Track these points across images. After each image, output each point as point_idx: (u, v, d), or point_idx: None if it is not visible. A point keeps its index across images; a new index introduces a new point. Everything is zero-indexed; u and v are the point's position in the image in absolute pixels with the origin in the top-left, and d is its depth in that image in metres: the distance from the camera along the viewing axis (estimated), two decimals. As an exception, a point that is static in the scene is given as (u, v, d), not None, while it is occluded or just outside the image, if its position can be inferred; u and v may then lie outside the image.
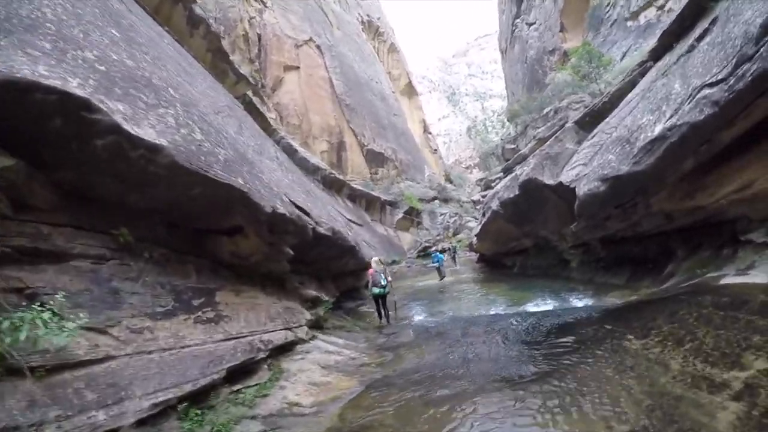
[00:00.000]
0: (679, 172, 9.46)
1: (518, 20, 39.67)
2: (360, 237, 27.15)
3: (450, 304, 15.82)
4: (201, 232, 7.05)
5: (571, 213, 14.78)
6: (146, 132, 5.13)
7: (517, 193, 17.66)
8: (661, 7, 22.29)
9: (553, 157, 16.64)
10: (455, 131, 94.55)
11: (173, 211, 6.30)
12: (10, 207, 4.35)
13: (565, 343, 7.70)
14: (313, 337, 8.76)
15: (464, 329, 10.37)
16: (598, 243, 15.45)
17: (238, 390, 5.87)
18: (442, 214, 44.51)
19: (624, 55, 22.15)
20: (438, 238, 41.99)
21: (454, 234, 42.88)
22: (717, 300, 7.08)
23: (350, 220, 29.97)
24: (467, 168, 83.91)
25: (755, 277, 7.61)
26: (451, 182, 59.06)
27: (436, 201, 46.74)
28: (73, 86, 4.42)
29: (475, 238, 23.54)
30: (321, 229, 10.54)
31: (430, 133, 65.94)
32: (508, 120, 40.12)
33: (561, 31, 31.79)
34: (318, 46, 40.67)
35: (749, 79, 6.93)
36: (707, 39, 9.54)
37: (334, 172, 36.08)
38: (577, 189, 13.19)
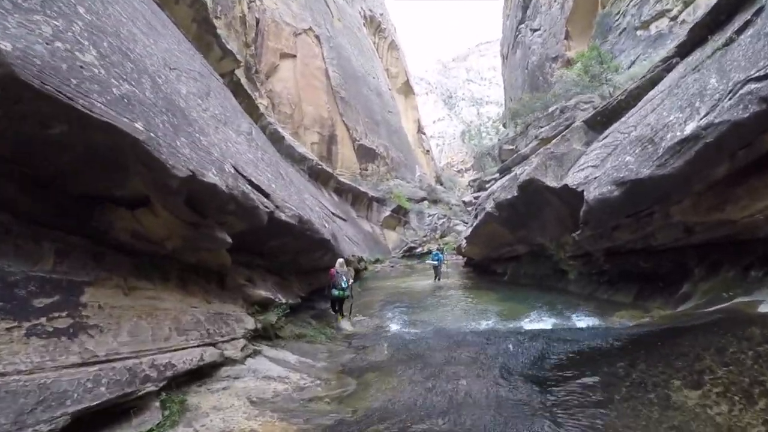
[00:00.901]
0: (709, 179, 8.42)
1: (522, 26, 38.65)
2: (342, 232, 25.64)
3: (434, 313, 13.63)
4: (88, 200, 4.72)
5: (573, 219, 13.39)
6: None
7: (515, 194, 15.73)
8: (674, 18, 21.44)
9: (558, 158, 14.79)
10: (449, 134, 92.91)
11: (31, 160, 4.01)
12: None
13: (590, 387, 5.59)
14: (253, 354, 6.43)
15: (450, 350, 8.14)
16: (602, 254, 13.61)
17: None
18: (430, 215, 42.52)
19: (632, 64, 20.97)
20: (425, 239, 40.14)
21: (442, 236, 40.69)
22: (768, 334, 5.53)
23: (333, 214, 28.28)
24: (459, 171, 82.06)
25: (802, 307, 6.36)
26: (441, 184, 57.19)
27: (425, 202, 44.93)
28: None
29: (464, 241, 21.37)
30: (282, 215, 8.28)
31: (423, 134, 64.11)
32: (504, 123, 38.69)
33: (566, 38, 30.85)
34: (317, 36, 39.15)
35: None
36: (750, 31, 8.59)
37: (321, 163, 34.33)
38: (585, 193, 11.71)
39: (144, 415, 4.13)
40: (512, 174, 16.89)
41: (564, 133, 15.92)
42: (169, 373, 4.52)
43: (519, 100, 25.46)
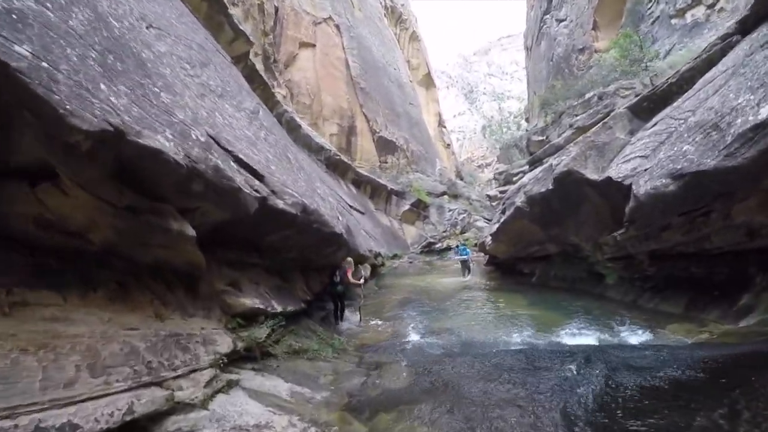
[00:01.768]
0: (786, 172, 7.15)
1: (547, 16, 36.50)
2: (360, 226, 24.03)
3: (458, 318, 11.86)
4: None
5: (614, 217, 12.10)
6: None
7: (550, 187, 13.84)
8: (711, 6, 19.90)
9: (600, 148, 12.93)
10: (470, 129, 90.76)
11: None
12: None
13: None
14: (227, 387, 4.56)
15: (489, 379, 6.31)
16: (647, 257, 11.91)
17: None
18: (450, 210, 40.70)
19: (668, 53, 19.19)
20: (444, 234, 38.47)
21: (462, 232, 38.93)
22: None
23: (351, 206, 26.77)
24: (479, 167, 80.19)
25: None
26: (461, 179, 55.30)
27: (445, 196, 43.18)
28: None
29: (489, 238, 19.45)
30: (280, 203, 6.52)
31: (444, 127, 62.12)
32: (527, 117, 36.82)
33: (593, 28, 28.88)
34: (337, 26, 38.16)
35: None
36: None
37: (339, 154, 32.82)
38: (633, 187, 10.23)
39: None
40: (546, 165, 14.97)
41: (605, 120, 14.02)
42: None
43: (550, 88, 23.51)
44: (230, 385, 4.75)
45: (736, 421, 4.09)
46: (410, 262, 30.80)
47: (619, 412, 4.86)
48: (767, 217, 7.91)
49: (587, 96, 17.80)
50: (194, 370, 4.26)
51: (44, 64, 2.75)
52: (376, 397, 5.74)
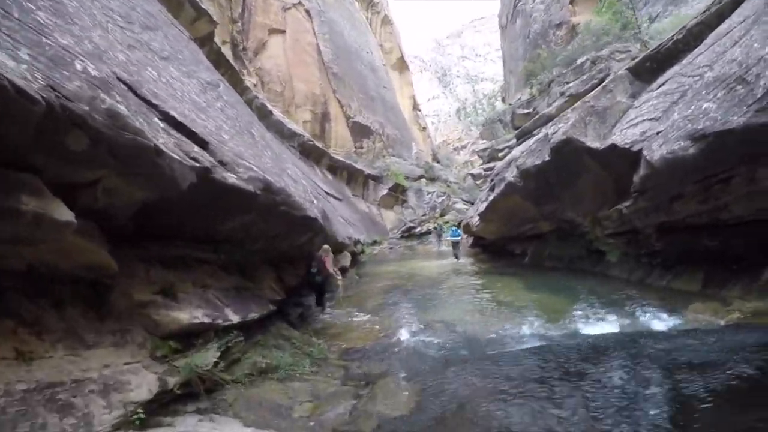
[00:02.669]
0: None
1: None
2: (337, 212, 22.42)
3: (453, 309, 10.27)
4: None
5: (616, 189, 11.12)
6: None
7: (546, 159, 12.45)
8: None
9: (600, 113, 11.62)
10: (444, 112, 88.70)
11: None
12: None
13: None
14: None
15: (511, 391, 4.81)
16: (654, 231, 10.69)
17: None
18: (429, 193, 39.14)
19: (653, 21, 17.43)
20: (424, 218, 37.02)
21: (442, 214, 37.58)
22: None
23: (327, 193, 25.10)
24: (455, 149, 78.31)
25: None
26: (438, 162, 53.65)
27: (423, 179, 41.63)
28: None
29: (475, 218, 17.88)
30: (230, 177, 4.84)
31: (419, 110, 60.24)
32: (503, 97, 35.48)
33: (570, 2, 27.34)
34: (307, 11, 36.24)
35: None
36: None
37: (313, 140, 31.11)
38: (645, 153, 9.09)
39: None
40: (541, 135, 13.47)
41: (605, 84, 12.58)
42: None
43: (535, 57, 21.98)
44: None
45: None
46: (391, 248, 29.53)
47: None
48: (799, 180, 6.88)
49: (579, 61, 16.32)
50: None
51: None
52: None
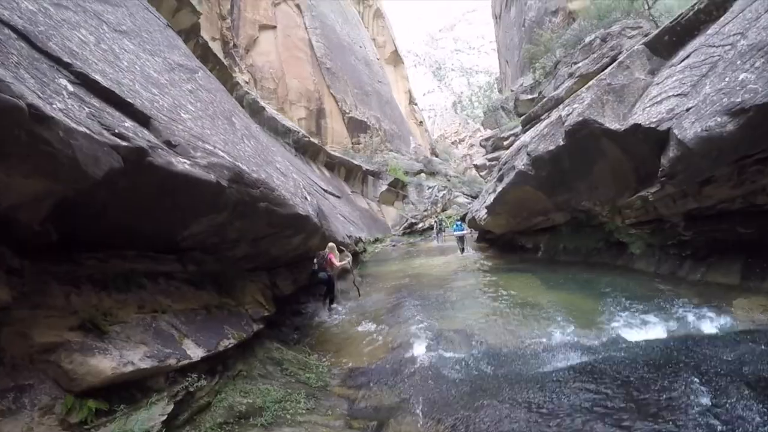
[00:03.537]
0: None
1: None
2: (336, 210, 21.59)
3: (469, 314, 8.97)
4: None
5: (637, 174, 10.10)
6: None
7: (560, 143, 11.20)
8: None
9: (618, 91, 10.34)
10: (440, 106, 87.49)
11: None
12: None
13: None
14: None
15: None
16: (682, 220, 9.72)
17: None
18: (429, 188, 37.83)
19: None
20: (425, 213, 35.75)
21: (443, 209, 36.45)
22: None
23: (325, 191, 24.01)
24: (453, 143, 76.97)
25: None
26: (437, 156, 52.25)
27: (423, 174, 40.32)
28: None
29: (483, 212, 16.52)
30: (179, 163, 3.53)
31: (415, 104, 58.87)
32: (500, 88, 34.22)
33: None
34: (297, 5, 35.68)
35: None
36: None
37: (308, 136, 30.01)
38: (676, 132, 8.10)
39: None
40: (554, 117, 12.15)
41: (620, 60, 11.30)
42: None
43: (538, 37, 20.66)
44: None
45: None
46: (393, 245, 28.19)
47: None
48: None
49: (588, 39, 14.97)
50: None
51: None
52: None
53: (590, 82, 11.90)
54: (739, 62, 7.17)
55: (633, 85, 10.41)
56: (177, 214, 4.18)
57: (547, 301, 9.15)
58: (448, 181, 41.53)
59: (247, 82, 27.61)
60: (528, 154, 12.49)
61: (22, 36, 2.69)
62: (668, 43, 10.87)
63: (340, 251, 12.24)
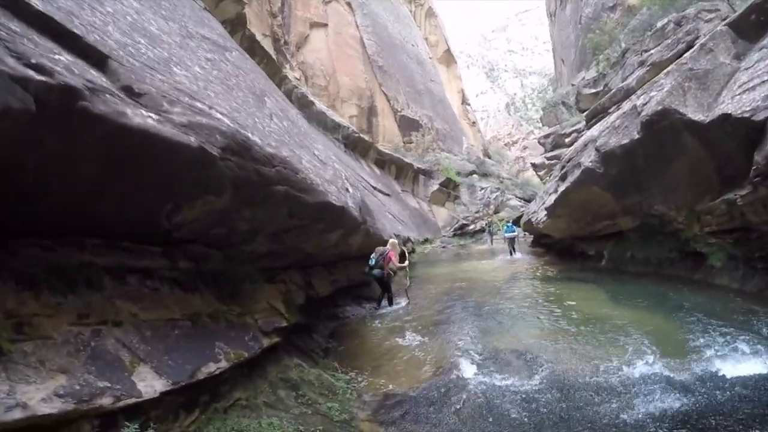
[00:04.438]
0: None
1: None
2: (385, 208, 20.80)
3: (526, 329, 7.68)
4: None
5: (720, 174, 8.86)
6: None
7: (635, 137, 9.72)
8: None
9: (700, 78, 8.93)
10: (493, 107, 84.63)
11: None
12: None
13: None
14: None
15: None
16: None
17: None
18: (482, 189, 36.27)
19: None
20: (477, 215, 34.17)
21: (496, 212, 34.83)
22: None
23: (375, 188, 23.09)
24: (506, 145, 74.68)
25: None
26: (489, 158, 50.49)
27: (475, 175, 38.68)
28: None
29: (541, 214, 14.98)
30: (140, 116, 2.46)
31: (468, 105, 57.17)
32: (555, 88, 32.39)
33: None
34: (348, 3, 35.10)
35: None
36: None
37: (358, 132, 29.45)
38: None
39: None
40: (627, 107, 10.65)
41: (703, 42, 9.72)
42: None
43: (601, 28, 19.01)
44: None
45: None
46: (443, 247, 27.09)
47: None
48: None
49: (661, 23, 13.30)
50: None
51: None
52: None
53: (669, 67, 10.39)
54: None
55: (717, 70, 8.99)
56: (150, 193, 3.14)
57: (618, 319, 7.70)
58: (501, 182, 39.80)
59: (298, 79, 27.08)
60: (597, 150, 11.02)
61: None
62: (756, 23, 9.40)
63: (403, 254, 11.50)
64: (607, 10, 25.13)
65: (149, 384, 2.79)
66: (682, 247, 10.69)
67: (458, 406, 4.65)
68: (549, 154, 24.25)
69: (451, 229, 32.78)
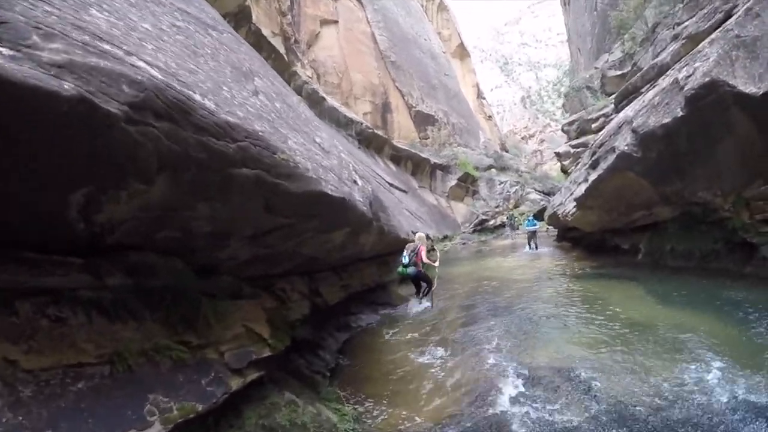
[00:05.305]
0: None
1: None
2: (402, 205, 19.99)
3: (564, 339, 6.49)
4: None
5: None
6: None
7: (678, 114, 8.49)
8: None
9: (749, 45, 7.73)
10: (509, 101, 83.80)
11: None
12: None
13: None
14: None
15: None
16: None
17: None
18: (501, 183, 35.09)
19: None
20: (497, 210, 33.11)
21: (515, 206, 33.71)
22: None
23: (391, 185, 22.15)
24: (523, 138, 73.76)
25: None
26: (506, 151, 49.19)
27: (493, 169, 37.45)
28: None
29: (571, 205, 13.62)
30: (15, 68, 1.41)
31: (484, 98, 55.78)
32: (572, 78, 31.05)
33: None
34: None
35: None
36: None
37: (372, 128, 28.50)
38: None
39: None
40: (668, 82, 9.35)
41: (748, 5, 8.37)
42: None
43: (627, 3, 17.59)
44: None
45: None
46: (463, 244, 26.11)
47: None
48: None
49: (693, -7, 11.97)
50: None
51: None
52: None
53: (713, 35, 9.08)
54: None
55: (767, 37, 7.63)
56: (31, 177, 2.01)
57: (669, 322, 6.55)
58: (520, 176, 38.48)
59: (310, 77, 26.34)
60: (633, 131, 9.75)
61: None
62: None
63: (430, 249, 11.00)
64: (626, -9, 23.92)
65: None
66: (730, 237, 9.62)
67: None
68: (574, 142, 22.77)
69: (471, 225, 31.76)
